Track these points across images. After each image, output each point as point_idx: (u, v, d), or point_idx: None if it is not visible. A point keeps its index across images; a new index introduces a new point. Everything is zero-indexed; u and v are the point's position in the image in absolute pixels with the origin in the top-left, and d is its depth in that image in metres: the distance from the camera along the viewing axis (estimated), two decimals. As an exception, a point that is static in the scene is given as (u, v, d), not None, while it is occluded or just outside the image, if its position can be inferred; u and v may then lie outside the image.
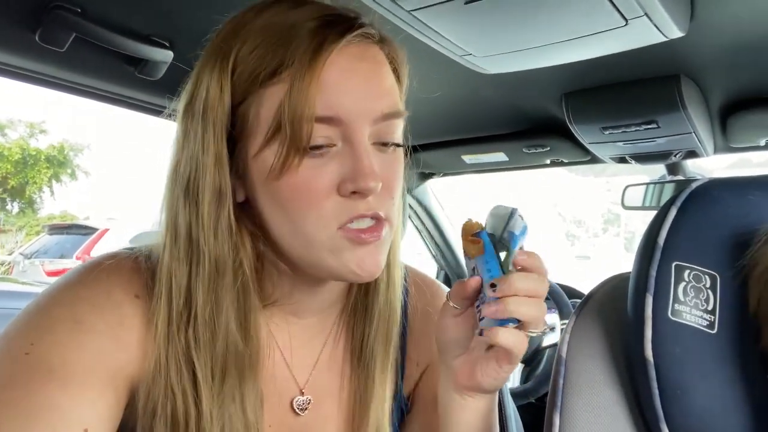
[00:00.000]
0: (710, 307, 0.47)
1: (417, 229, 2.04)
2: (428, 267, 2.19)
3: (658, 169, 1.55)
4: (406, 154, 0.59)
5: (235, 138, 0.54)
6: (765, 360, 0.44)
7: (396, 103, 0.55)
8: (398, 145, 0.57)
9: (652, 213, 0.54)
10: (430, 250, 2.13)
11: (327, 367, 0.66)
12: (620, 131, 1.13)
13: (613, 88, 1.04)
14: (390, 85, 0.56)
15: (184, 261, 0.54)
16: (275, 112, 0.50)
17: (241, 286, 0.55)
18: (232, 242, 0.54)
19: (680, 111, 1.00)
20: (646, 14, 0.66)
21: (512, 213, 0.52)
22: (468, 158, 1.58)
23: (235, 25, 0.54)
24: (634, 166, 1.38)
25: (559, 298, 1.79)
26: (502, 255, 0.52)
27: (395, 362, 0.68)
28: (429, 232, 2.04)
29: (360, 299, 0.66)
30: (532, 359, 1.84)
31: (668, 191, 1.51)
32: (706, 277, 0.48)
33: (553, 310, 1.81)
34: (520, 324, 0.51)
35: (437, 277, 2.17)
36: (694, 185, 0.53)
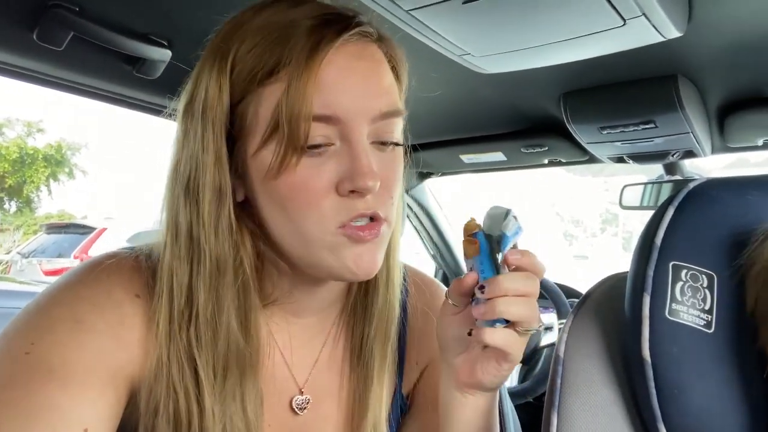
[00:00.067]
0: (707, 307, 0.47)
1: (415, 228, 2.04)
2: (426, 267, 2.19)
3: (656, 169, 1.56)
4: (405, 154, 0.60)
5: (235, 137, 0.54)
6: (762, 359, 0.44)
7: (395, 101, 0.55)
8: (397, 144, 0.57)
9: (650, 213, 0.54)
10: (428, 249, 2.13)
11: (326, 367, 0.66)
12: (618, 131, 1.13)
13: (611, 88, 1.04)
14: (388, 84, 0.56)
15: (185, 259, 0.54)
16: (273, 111, 0.50)
17: (242, 284, 0.55)
18: (233, 241, 0.54)
19: (678, 111, 1.00)
20: (644, 14, 0.66)
21: (506, 214, 0.53)
22: (466, 158, 1.58)
23: (234, 24, 0.54)
24: (632, 165, 1.38)
25: (556, 297, 1.79)
26: (500, 256, 0.52)
27: (394, 362, 0.69)
28: (427, 232, 2.04)
29: (359, 299, 0.66)
30: (529, 359, 1.84)
31: (666, 191, 1.51)
32: (704, 276, 0.48)
33: (550, 309, 1.81)
34: (510, 323, 0.51)
35: (435, 277, 2.16)
36: (691, 185, 0.53)
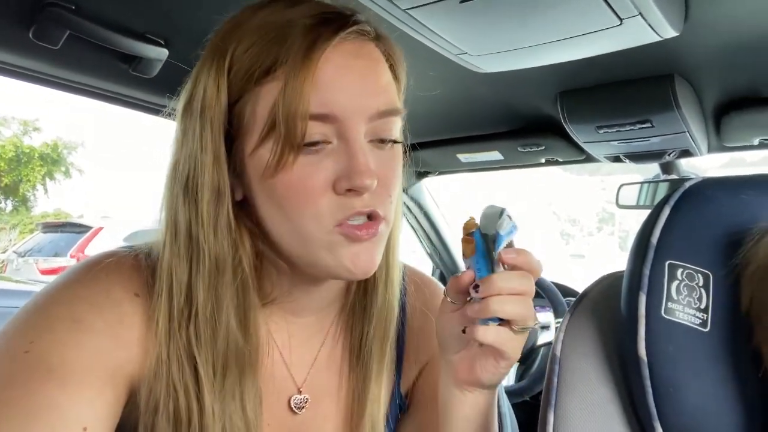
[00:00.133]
0: (703, 306, 0.47)
1: (412, 227, 2.04)
2: (424, 265, 2.19)
3: (653, 168, 1.56)
4: (404, 152, 0.60)
5: (233, 136, 0.54)
6: (757, 358, 0.45)
7: (392, 100, 0.55)
8: (396, 142, 0.57)
9: (646, 212, 0.54)
10: (425, 248, 2.13)
11: (325, 366, 0.66)
12: (614, 130, 1.13)
13: (607, 87, 1.04)
14: (386, 82, 0.56)
15: (185, 258, 0.54)
16: (270, 110, 0.50)
17: (241, 283, 0.55)
18: (232, 240, 0.55)
19: (674, 110, 1.01)
20: (640, 14, 0.66)
21: (501, 213, 0.53)
22: (463, 157, 1.58)
23: (232, 24, 0.54)
24: (628, 165, 1.39)
25: (553, 296, 1.79)
26: (495, 255, 0.53)
27: (393, 360, 0.69)
28: (424, 231, 2.04)
29: (359, 298, 0.66)
30: (526, 357, 1.85)
31: (662, 190, 1.52)
32: (699, 275, 0.48)
33: (547, 308, 1.81)
34: (504, 321, 0.52)
35: (432, 276, 2.16)
36: (687, 184, 0.53)
